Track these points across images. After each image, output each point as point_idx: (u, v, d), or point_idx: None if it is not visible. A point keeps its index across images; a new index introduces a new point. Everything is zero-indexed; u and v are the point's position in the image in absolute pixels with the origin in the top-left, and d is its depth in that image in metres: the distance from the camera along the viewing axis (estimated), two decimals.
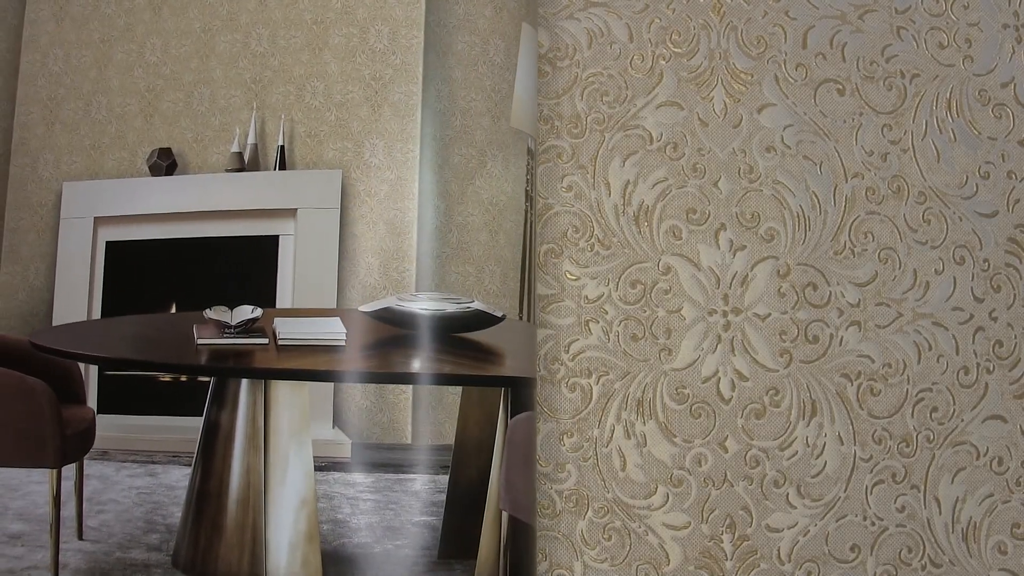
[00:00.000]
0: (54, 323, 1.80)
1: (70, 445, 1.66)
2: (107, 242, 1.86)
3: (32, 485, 1.75)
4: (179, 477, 1.72)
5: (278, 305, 1.77)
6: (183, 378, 1.85)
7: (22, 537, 1.63)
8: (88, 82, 1.84)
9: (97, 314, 1.90)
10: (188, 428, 1.74)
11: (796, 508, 1.49)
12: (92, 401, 1.85)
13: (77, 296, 1.78)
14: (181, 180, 1.92)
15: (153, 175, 2.05)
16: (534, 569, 1.46)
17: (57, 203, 1.77)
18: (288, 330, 1.60)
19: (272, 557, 1.49)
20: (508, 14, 1.58)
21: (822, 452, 1.49)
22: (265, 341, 1.65)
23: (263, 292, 1.78)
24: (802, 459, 1.49)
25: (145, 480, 1.73)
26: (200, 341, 1.65)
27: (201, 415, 1.70)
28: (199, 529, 1.57)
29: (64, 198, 1.80)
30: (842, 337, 1.48)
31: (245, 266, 1.84)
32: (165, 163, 2.06)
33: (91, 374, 1.88)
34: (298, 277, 1.70)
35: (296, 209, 1.73)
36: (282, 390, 1.58)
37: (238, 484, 1.55)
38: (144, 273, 1.88)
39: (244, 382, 1.63)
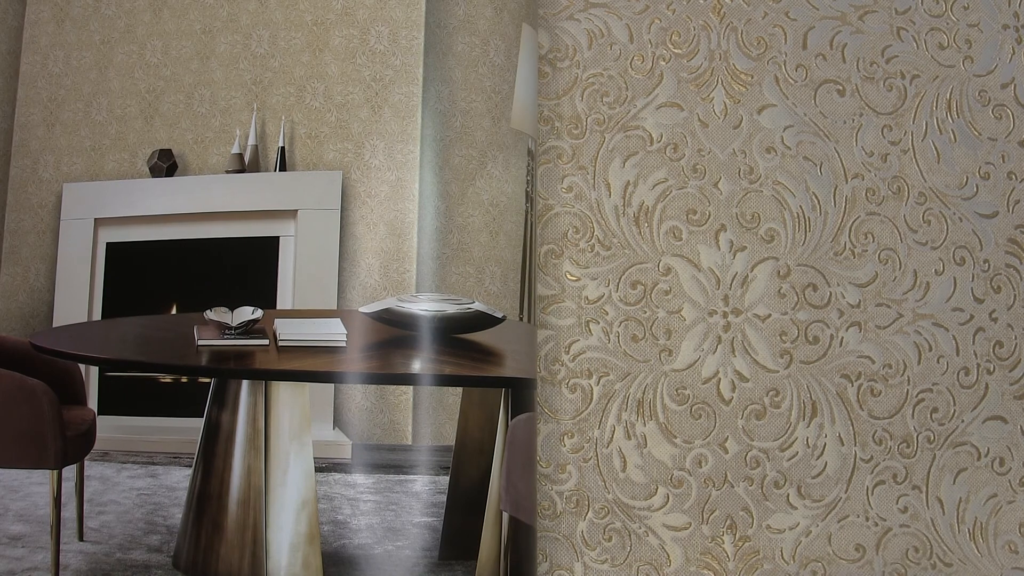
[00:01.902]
0: (55, 324, 1.80)
1: (71, 446, 1.66)
2: (107, 243, 1.86)
3: (33, 486, 1.74)
4: (180, 478, 1.72)
5: (279, 306, 1.77)
6: (184, 379, 1.85)
7: (23, 538, 1.63)
8: (88, 83, 1.84)
9: (98, 315, 1.90)
10: (189, 429, 1.74)
11: (797, 509, 1.49)
12: (93, 402, 1.85)
13: (78, 297, 1.78)
14: (181, 181, 1.92)
15: (153, 176, 2.05)
16: (535, 570, 1.46)
17: (57, 204, 1.78)
18: (289, 331, 1.60)
19: (273, 558, 1.49)
20: (508, 15, 1.58)
21: (823, 453, 1.49)
22: (266, 342, 1.65)
23: (264, 293, 1.78)
24: (802, 460, 1.49)
25: (146, 481, 1.73)
26: (201, 342, 1.65)
27: (202, 416, 1.70)
28: (200, 530, 1.57)
29: (64, 199, 1.80)
30: (842, 338, 1.48)
31: (246, 267, 1.84)
32: (165, 164, 2.06)
33: (92, 375, 1.88)
34: (299, 278, 1.70)
35: (297, 210, 1.73)
36: (283, 391, 1.58)
37: (239, 485, 1.55)
38: (145, 274, 1.88)
39: (245, 383, 1.63)
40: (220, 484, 1.57)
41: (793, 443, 1.47)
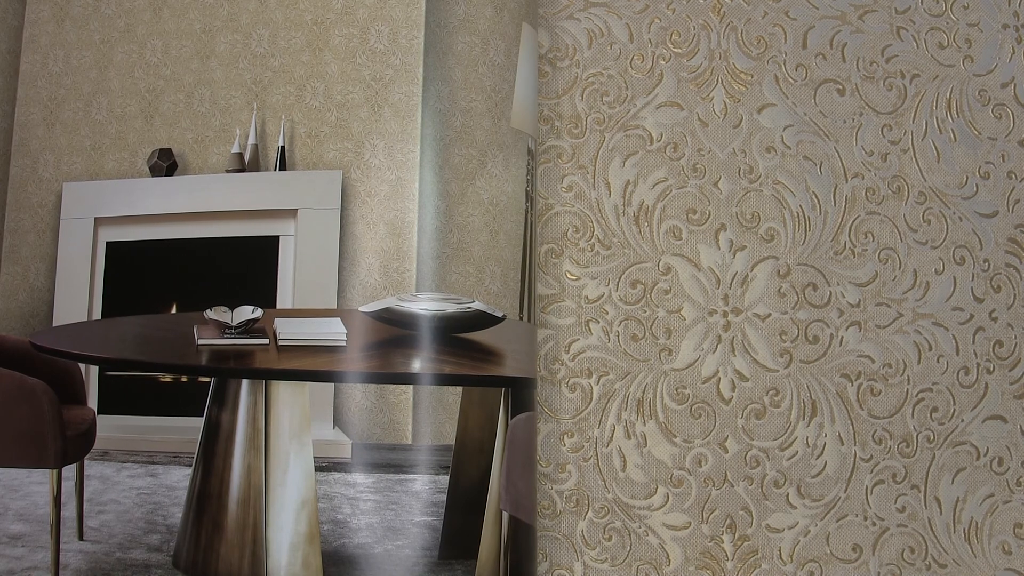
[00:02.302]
0: (54, 324, 1.80)
1: (71, 445, 1.66)
2: (107, 243, 1.86)
3: (33, 486, 1.74)
4: (180, 477, 1.72)
5: (278, 305, 1.77)
6: (184, 379, 1.85)
7: (23, 538, 1.63)
8: (88, 83, 1.84)
9: (97, 315, 1.90)
10: (189, 428, 1.74)
11: (796, 508, 1.49)
12: (93, 401, 1.85)
13: (77, 297, 1.78)
14: (181, 181, 1.92)
15: (153, 176, 2.05)
16: (534, 570, 1.46)
17: (57, 204, 1.78)
18: (289, 330, 1.60)
19: (273, 558, 1.49)
20: (508, 14, 1.58)
21: (822, 452, 1.50)
22: (265, 341, 1.65)
23: (263, 292, 1.78)
24: (802, 459, 1.49)
25: (146, 480, 1.73)
26: (201, 341, 1.65)
27: (202, 416, 1.70)
28: (200, 530, 1.57)
29: (64, 199, 1.80)
30: (842, 337, 1.48)
31: (246, 267, 1.84)
32: (165, 164, 2.06)
33: (92, 375, 1.88)
34: (298, 277, 1.70)
35: (296, 210, 1.73)
36: (283, 390, 1.58)
37: (239, 484, 1.55)
38: (145, 274, 1.88)
39: (245, 382, 1.63)
40: (220, 483, 1.57)
41: (793, 442, 1.48)
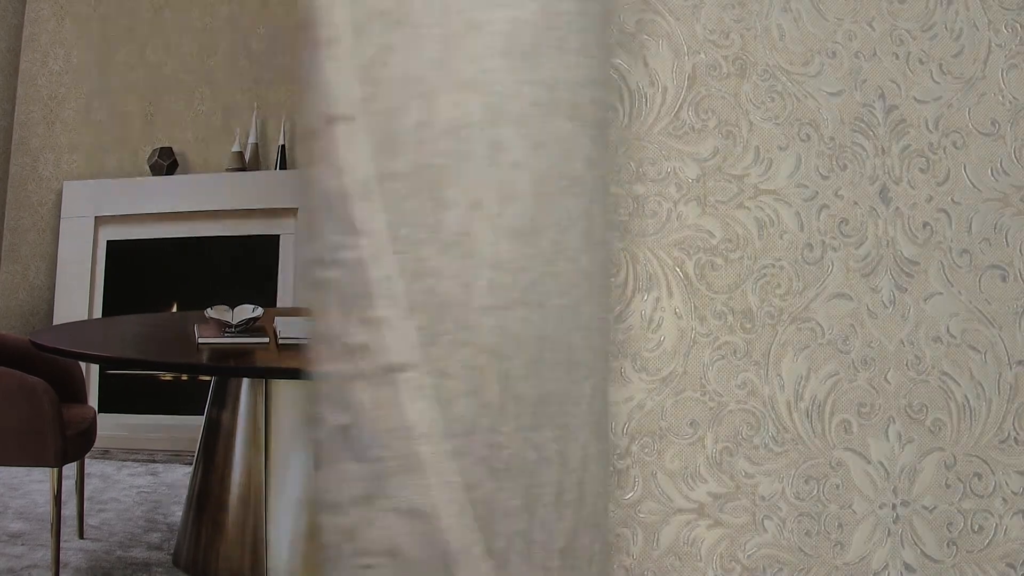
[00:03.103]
0: (55, 322, 1.80)
1: (71, 444, 1.66)
2: (108, 241, 1.86)
3: (33, 484, 1.75)
4: (180, 476, 1.72)
5: (279, 304, 1.77)
6: (184, 377, 1.85)
7: (23, 536, 1.63)
8: (89, 82, 1.84)
9: (98, 313, 1.90)
10: (189, 427, 1.74)
11: None
12: (93, 400, 1.85)
13: (78, 295, 1.79)
14: (182, 179, 1.92)
15: (154, 174, 2.05)
16: None
17: (58, 202, 1.78)
18: (289, 329, 1.60)
19: (273, 555, 1.50)
20: None
21: None
22: (266, 340, 1.65)
23: (264, 291, 1.78)
24: None
25: (146, 479, 1.73)
26: (201, 340, 1.65)
27: (202, 414, 1.70)
28: (200, 528, 1.57)
29: (65, 197, 1.80)
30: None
31: (246, 265, 1.84)
32: (166, 162, 2.06)
33: (92, 373, 1.88)
34: (299, 276, 1.71)
35: (297, 208, 1.73)
36: (283, 389, 1.58)
37: (239, 483, 1.56)
38: (145, 272, 1.88)
39: (245, 381, 1.63)
40: (220, 482, 1.57)
41: None
